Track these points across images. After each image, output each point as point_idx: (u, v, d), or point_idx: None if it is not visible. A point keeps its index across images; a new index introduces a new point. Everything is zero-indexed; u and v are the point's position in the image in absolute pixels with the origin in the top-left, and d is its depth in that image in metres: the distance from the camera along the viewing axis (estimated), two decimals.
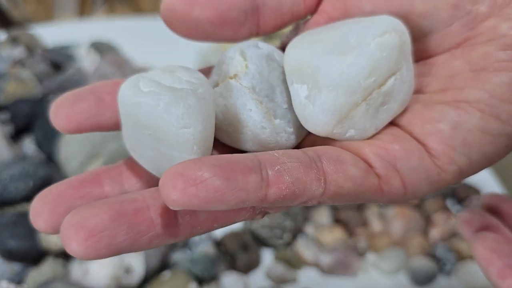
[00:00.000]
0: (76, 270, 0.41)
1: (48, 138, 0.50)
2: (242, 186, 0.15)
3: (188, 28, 0.20)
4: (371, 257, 0.48)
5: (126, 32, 0.70)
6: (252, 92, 0.20)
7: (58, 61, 0.62)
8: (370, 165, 0.18)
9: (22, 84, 0.56)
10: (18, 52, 0.62)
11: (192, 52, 0.66)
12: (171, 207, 0.15)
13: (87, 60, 0.63)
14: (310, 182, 0.17)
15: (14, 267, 0.43)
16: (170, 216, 0.17)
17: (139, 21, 0.78)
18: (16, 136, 0.53)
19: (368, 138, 0.19)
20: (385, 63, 0.18)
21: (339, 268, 0.46)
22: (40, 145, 0.51)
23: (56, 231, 0.18)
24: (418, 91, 0.20)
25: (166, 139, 0.18)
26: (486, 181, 0.55)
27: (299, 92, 0.19)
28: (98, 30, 0.70)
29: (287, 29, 0.23)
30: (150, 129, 0.18)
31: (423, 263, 0.46)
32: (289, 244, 0.48)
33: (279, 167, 0.16)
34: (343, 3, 0.21)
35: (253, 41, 0.21)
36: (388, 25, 0.18)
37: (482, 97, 0.18)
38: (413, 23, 0.19)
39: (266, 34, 0.21)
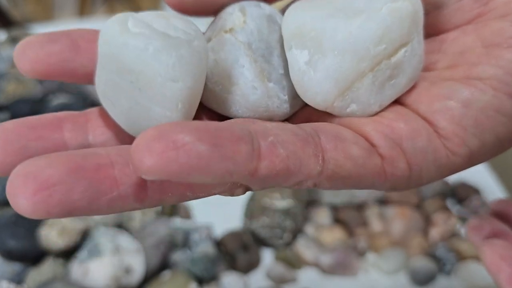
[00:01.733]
0: (76, 270, 0.41)
1: None
2: (230, 155, 0.13)
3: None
4: (371, 257, 0.48)
5: None
6: (247, 48, 0.18)
7: None
8: (372, 144, 0.16)
9: (22, 84, 0.56)
10: None
11: None
12: (143, 175, 0.13)
13: None
14: (307, 158, 0.15)
15: (14, 267, 0.43)
16: (137, 177, 0.15)
17: None
18: None
19: (371, 116, 0.18)
20: (396, 30, 0.16)
21: (339, 268, 0.46)
22: None
23: (4, 172, 0.16)
24: (426, 68, 0.19)
25: (148, 90, 0.16)
26: (486, 181, 0.55)
27: (298, 58, 0.17)
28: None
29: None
30: (132, 76, 0.16)
31: (423, 263, 0.46)
32: (289, 244, 0.48)
33: (272, 138, 0.15)
34: None
35: (255, 1, 0.20)
36: None
37: (496, 73, 0.16)
38: None
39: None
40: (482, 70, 0.17)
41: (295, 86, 0.18)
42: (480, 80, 0.17)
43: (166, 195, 0.15)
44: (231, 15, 0.19)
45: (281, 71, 0.19)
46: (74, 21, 0.89)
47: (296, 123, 0.17)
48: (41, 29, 0.71)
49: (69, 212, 0.14)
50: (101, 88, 0.17)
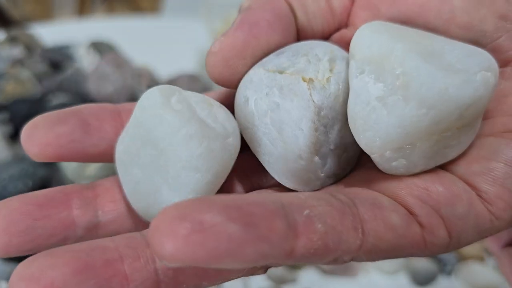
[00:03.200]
0: None
1: None
2: (265, 235, 0.11)
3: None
4: None
5: (125, 31, 0.70)
6: (316, 114, 0.16)
7: (57, 61, 0.62)
8: (410, 211, 0.15)
9: (21, 84, 0.56)
10: (17, 51, 0.62)
11: (192, 52, 0.66)
12: (164, 262, 0.11)
13: (86, 60, 0.63)
14: (346, 232, 0.13)
15: (13, 267, 0.42)
16: (149, 271, 0.13)
17: (139, 21, 0.77)
18: (15, 136, 0.53)
19: (409, 176, 0.16)
20: (482, 103, 0.15)
21: (340, 269, 0.45)
22: None
23: (10, 253, 0.15)
24: None
25: (166, 170, 0.15)
26: None
27: (369, 88, 0.15)
28: (97, 30, 0.69)
29: None
30: (156, 150, 0.15)
31: (423, 264, 0.46)
32: None
33: (308, 211, 0.13)
34: (371, 14, 0.18)
35: (347, 53, 0.17)
36: (489, 61, 0.15)
37: None
38: (453, 36, 0.16)
39: None
40: None
41: (352, 118, 0.16)
42: None
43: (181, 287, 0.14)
44: (318, 61, 0.17)
45: (332, 146, 0.17)
46: (73, 21, 0.89)
47: None
48: (40, 28, 0.71)
49: None
50: (120, 149, 0.17)
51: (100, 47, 0.64)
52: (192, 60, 0.66)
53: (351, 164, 0.19)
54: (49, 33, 0.69)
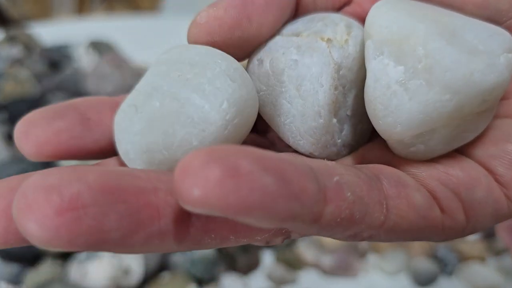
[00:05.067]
0: (74, 271, 0.41)
1: None
2: (297, 194, 0.11)
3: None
4: (372, 258, 0.47)
5: (124, 30, 0.70)
6: (335, 70, 0.16)
7: (57, 61, 0.62)
8: (432, 194, 0.14)
9: (20, 83, 0.56)
10: (16, 51, 0.62)
11: None
12: (189, 207, 0.10)
13: (85, 60, 0.62)
14: (372, 205, 0.13)
15: (12, 268, 0.42)
16: (182, 209, 0.12)
17: (138, 20, 0.77)
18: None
19: (427, 160, 0.16)
20: (504, 87, 0.14)
21: (340, 269, 0.45)
22: None
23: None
24: None
25: (197, 79, 0.14)
26: None
27: (389, 71, 0.14)
28: (97, 29, 0.69)
29: None
30: (185, 68, 0.15)
31: (424, 264, 0.46)
32: (289, 244, 0.47)
33: (338, 178, 0.12)
34: None
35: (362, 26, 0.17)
36: (510, 42, 0.14)
37: None
38: (469, 14, 0.16)
39: None
40: None
41: (371, 102, 0.15)
42: None
43: (208, 237, 0.13)
44: (336, 25, 0.16)
45: (349, 112, 0.16)
46: (73, 20, 0.89)
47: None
48: (39, 28, 0.71)
49: (96, 245, 0.11)
50: (125, 104, 0.15)
51: (100, 47, 0.64)
52: None
53: (365, 138, 0.18)
54: (48, 33, 0.69)
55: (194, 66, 0.15)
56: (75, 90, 0.56)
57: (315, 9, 0.18)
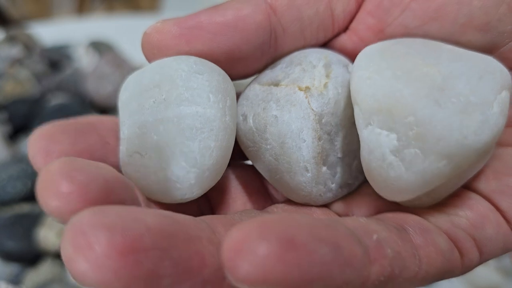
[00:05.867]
0: None
1: None
2: (349, 259, 0.10)
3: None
4: None
5: (124, 31, 0.70)
6: (317, 121, 0.15)
7: (56, 61, 0.62)
8: (450, 237, 0.14)
9: (20, 83, 0.56)
10: (16, 51, 0.62)
11: None
12: (242, 285, 0.09)
13: (85, 60, 0.62)
14: (409, 258, 0.13)
15: (12, 268, 0.42)
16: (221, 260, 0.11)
17: (138, 20, 0.77)
18: (14, 136, 0.53)
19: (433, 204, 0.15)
20: (498, 135, 0.14)
21: None
22: None
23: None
24: None
25: (172, 92, 0.14)
26: None
27: (382, 141, 0.14)
28: (97, 29, 0.69)
29: None
30: (155, 90, 0.14)
31: None
32: None
33: (376, 236, 0.12)
34: (378, 20, 0.16)
35: (343, 57, 0.17)
36: (502, 75, 0.14)
37: None
38: (469, 40, 0.16)
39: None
40: None
41: (369, 172, 0.15)
42: None
43: None
44: (313, 68, 0.16)
45: (340, 154, 0.16)
46: (73, 20, 0.89)
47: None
48: (39, 28, 0.71)
49: None
50: (125, 155, 0.15)
51: (99, 47, 0.64)
52: None
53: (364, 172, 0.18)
54: (48, 33, 0.69)
55: (161, 85, 0.14)
56: (75, 90, 0.56)
57: (303, 41, 0.17)
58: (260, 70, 0.17)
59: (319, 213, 0.16)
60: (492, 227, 0.15)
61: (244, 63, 0.16)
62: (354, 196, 0.17)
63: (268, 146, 0.16)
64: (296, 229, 0.10)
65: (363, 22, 0.17)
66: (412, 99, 0.13)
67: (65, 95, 0.55)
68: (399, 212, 0.15)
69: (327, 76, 0.16)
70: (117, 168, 0.15)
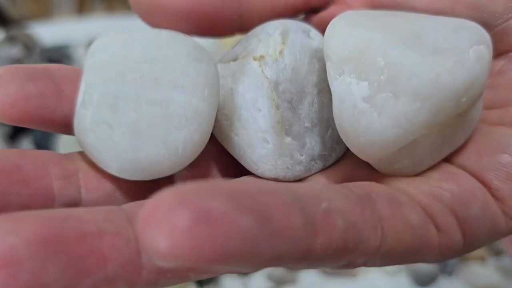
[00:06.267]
0: None
1: (47, 139, 0.50)
2: (281, 231, 0.10)
3: (155, 17, 0.16)
4: None
5: (125, 31, 0.70)
6: (272, 89, 0.15)
7: (57, 60, 0.62)
8: (426, 211, 0.13)
9: None
10: (16, 51, 0.62)
11: None
12: (158, 261, 0.09)
13: None
14: (367, 230, 0.12)
15: None
16: (131, 252, 0.11)
17: (138, 20, 0.77)
18: (14, 136, 0.53)
19: (417, 175, 0.14)
20: (481, 82, 0.13)
21: (340, 269, 0.45)
22: (38, 145, 0.51)
23: None
24: None
25: (167, 75, 0.14)
26: None
27: (353, 89, 0.13)
28: (97, 29, 0.69)
29: None
30: (144, 67, 0.14)
31: (424, 264, 0.45)
32: None
33: (326, 204, 0.11)
34: None
35: (306, 24, 0.16)
36: (479, 33, 0.13)
37: None
38: (461, 15, 0.15)
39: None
40: None
41: (341, 125, 0.14)
42: None
43: (163, 277, 0.12)
44: (269, 37, 0.15)
45: (308, 124, 0.15)
46: (73, 20, 0.89)
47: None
48: (39, 28, 0.71)
49: None
50: (88, 122, 0.14)
51: None
52: None
53: (343, 142, 0.17)
54: (48, 33, 0.69)
55: (154, 63, 0.14)
56: None
57: (272, 15, 0.16)
58: (226, 33, 0.17)
59: None
60: (478, 206, 0.13)
61: (210, 19, 0.16)
62: (336, 168, 0.16)
63: (228, 122, 0.15)
64: (215, 198, 0.09)
65: None
66: (382, 42, 0.13)
67: None
68: (372, 182, 0.14)
69: (284, 43, 0.15)
70: (70, 118, 0.15)
